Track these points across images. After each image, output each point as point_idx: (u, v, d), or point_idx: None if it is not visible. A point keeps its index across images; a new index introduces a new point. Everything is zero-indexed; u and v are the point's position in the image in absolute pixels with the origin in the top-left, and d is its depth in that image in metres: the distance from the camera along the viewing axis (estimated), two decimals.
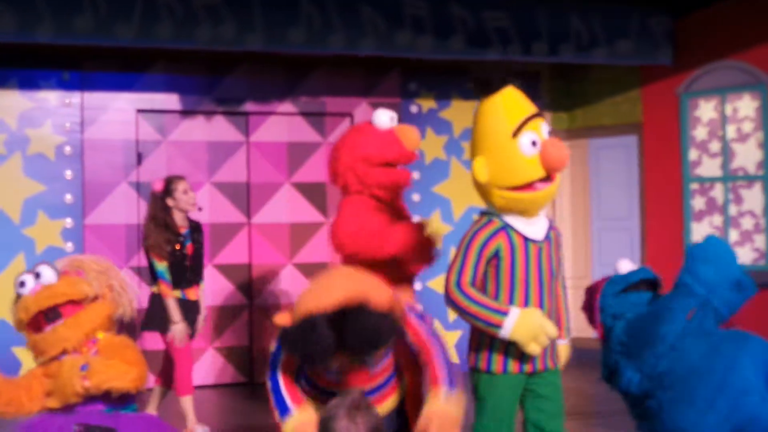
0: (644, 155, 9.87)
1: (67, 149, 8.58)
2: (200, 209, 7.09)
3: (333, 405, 3.62)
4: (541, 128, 4.61)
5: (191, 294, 6.82)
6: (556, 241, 4.74)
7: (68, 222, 8.56)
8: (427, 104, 9.72)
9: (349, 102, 9.43)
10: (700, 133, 9.40)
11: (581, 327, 10.24)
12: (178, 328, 6.64)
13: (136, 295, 5.25)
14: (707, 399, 4.68)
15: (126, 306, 5.12)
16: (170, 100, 8.91)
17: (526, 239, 4.59)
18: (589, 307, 5.33)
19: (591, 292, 5.28)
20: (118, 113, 8.77)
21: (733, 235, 9.16)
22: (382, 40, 8.24)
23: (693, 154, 9.43)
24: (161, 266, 6.66)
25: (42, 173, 8.51)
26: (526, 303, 4.58)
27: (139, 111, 8.85)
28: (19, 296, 4.97)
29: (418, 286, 7.21)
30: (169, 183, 6.80)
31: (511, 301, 4.56)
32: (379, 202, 6.08)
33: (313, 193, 9.34)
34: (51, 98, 8.58)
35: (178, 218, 6.80)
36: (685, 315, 4.85)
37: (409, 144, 6.09)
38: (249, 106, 9.14)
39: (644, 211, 9.85)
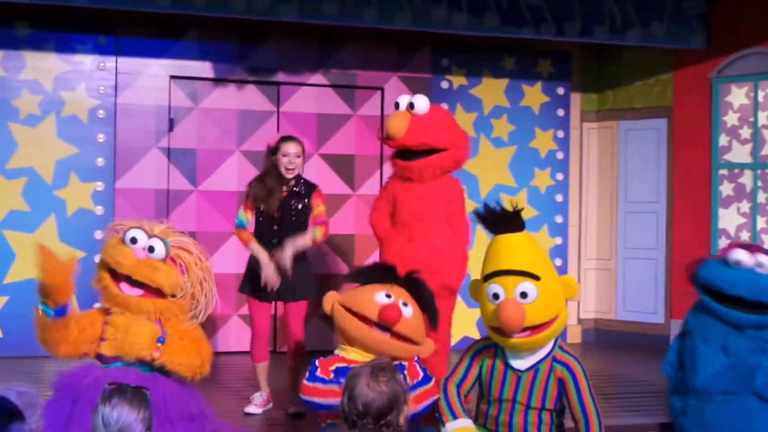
0: (674, 139, 9.85)
1: (101, 113, 8.67)
2: (295, 178, 6.68)
3: (359, 366, 3.69)
4: (515, 288, 4.78)
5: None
6: (546, 374, 4.94)
7: (99, 185, 8.65)
8: (458, 81, 9.73)
9: (380, 76, 9.46)
10: (730, 118, 9.37)
11: (604, 308, 10.28)
12: (266, 271, 6.47)
13: (216, 302, 5.32)
14: None
15: (199, 315, 5.22)
16: (203, 68, 8.97)
17: (506, 365, 4.96)
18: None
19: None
20: (151, 79, 8.84)
21: (761, 222, 9.14)
22: (416, 15, 8.26)
23: (723, 140, 9.40)
24: (243, 215, 6.61)
25: (75, 136, 8.60)
26: (497, 417, 4.99)
27: (172, 77, 8.91)
28: (122, 240, 5.03)
29: None
30: (278, 141, 6.64)
31: (485, 416, 5.05)
32: (409, 186, 6.28)
33: (341, 165, 9.38)
34: (86, 62, 8.65)
35: (283, 181, 6.62)
36: None
37: (389, 131, 6.21)
38: (280, 77, 9.19)
39: (671, 196, 9.83)
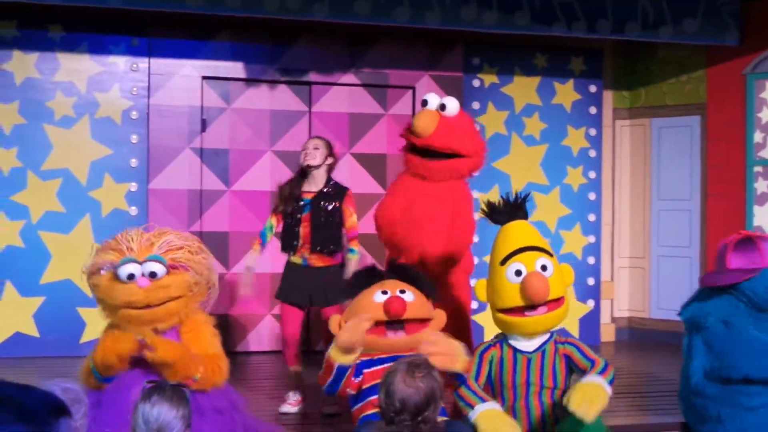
0: (707, 136, 9.78)
1: (134, 114, 8.73)
2: (309, 166, 6.73)
3: (395, 363, 3.71)
4: (535, 261, 5.13)
5: (315, 260, 6.68)
6: (552, 354, 5.18)
7: (133, 186, 8.71)
8: (490, 79, 9.71)
9: (412, 75, 9.46)
10: (765, 114, 9.29)
11: (638, 307, 10.23)
12: (244, 273, 6.81)
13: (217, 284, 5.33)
14: None
15: (210, 298, 5.23)
16: (235, 68, 9.01)
17: (515, 350, 5.19)
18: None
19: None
20: (183, 79, 8.89)
21: None
22: (447, 13, 8.26)
23: (758, 136, 9.33)
24: (269, 222, 6.79)
25: (109, 137, 8.67)
26: (513, 405, 5.15)
27: (205, 78, 8.96)
28: (118, 279, 4.97)
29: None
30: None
31: (502, 401, 5.16)
32: (406, 179, 6.38)
33: (373, 164, 9.40)
34: (119, 63, 8.72)
35: (310, 183, 6.72)
36: None
37: (413, 128, 6.24)
38: (312, 76, 9.21)
39: (705, 193, 9.77)
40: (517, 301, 5.11)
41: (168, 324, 5.02)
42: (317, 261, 6.67)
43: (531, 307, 5.12)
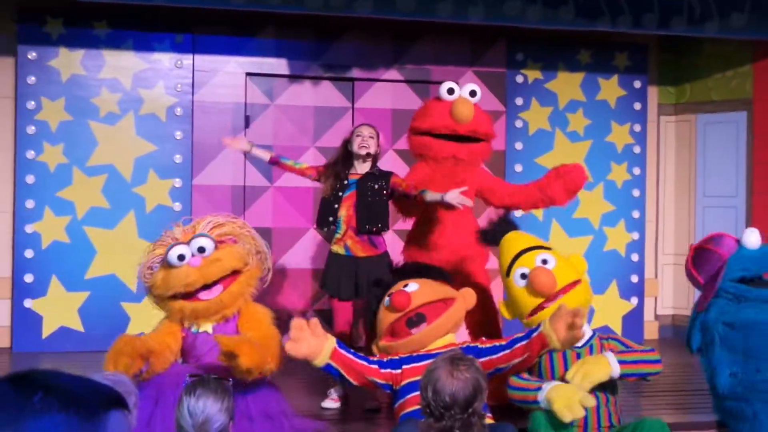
0: (753, 132, 9.67)
1: (178, 110, 8.78)
2: (373, 162, 6.73)
3: (434, 360, 3.70)
4: (535, 259, 5.39)
5: (357, 249, 6.55)
6: (599, 349, 5.30)
7: (177, 182, 8.76)
8: (533, 75, 9.67)
9: (455, 71, 9.43)
10: None
11: (682, 304, 10.14)
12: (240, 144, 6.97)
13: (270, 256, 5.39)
14: None
15: (268, 269, 5.27)
16: (279, 65, 9.04)
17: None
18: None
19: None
20: (227, 76, 8.93)
21: None
22: (490, 8, 8.21)
23: None
24: (303, 163, 6.95)
25: (153, 133, 8.72)
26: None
27: (248, 74, 8.99)
28: (170, 265, 5.02)
29: None
30: (352, 131, 6.85)
31: None
32: (437, 170, 6.66)
33: (415, 160, 9.36)
34: (164, 60, 8.77)
35: (356, 168, 6.68)
36: None
37: (457, 116, 6.53)
38: (355, 72, 9.22)
39: (751, 190, 9.66)
40: (532, 301, 5.34)
41: (233, 309, 5.05)
42: (360, 250, 6.54)
43: (546, 301, 5.33)
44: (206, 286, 5.05)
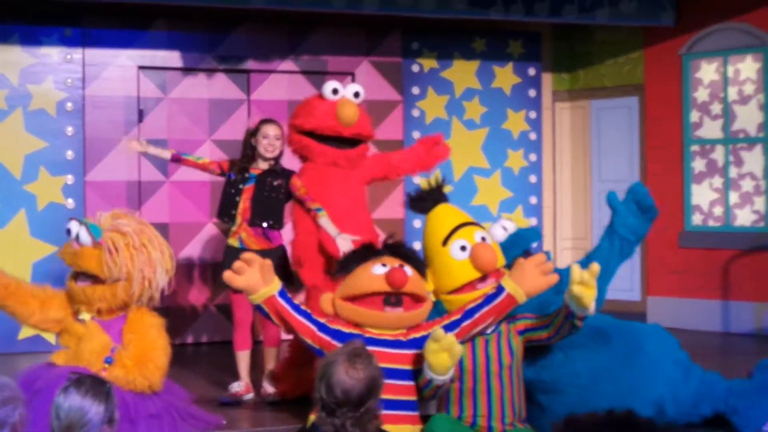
0: (645, 117, 9.86)
1: (69, 105, 8.58)
2: (276, 160, 6.63)
3: (333, 352, 3.65)
4: (474, 235, 5.37)
5: (251, 242, 6.50)
6: (507, 333, 5.33)
7: (69, 178, 8.56)
8: (429, 64, 9.70)
9: (351, 61, 9.41)
10: (701, 94, 9.39)
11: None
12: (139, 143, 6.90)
13: (170, 277, 5.28)
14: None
15: (154, 291, 5.17)
16: (172, 58, 8.90)
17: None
18: None
19: None
20: (119, 70, 8.76)
21: (733, 197, 9.17)
22: None
23: (694, 116, 9.42)
24: (203, 157, 6.89)
25: (43, 129, 8.50)
26: (473, 388, 5.21)
27: (141, 68, 8.83)
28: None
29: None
30: (259, 123, 6.67)
31: (461, 386, 5.22)
32: (323, 173, 6.58)
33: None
34: (53, 54, 8.55)
35: (260, 163, 6.59)
36: None
37: (343, 119, 6.49)
38: (250, 64, 9.12)
39: (645, 173, 9.85)
40: (469, 275, 5.30)
41: (103, 305, 5.01)
42: (254, 243, 6.49)
43: (481, 279, 5.32)
44: (74, 275, 5.07)
